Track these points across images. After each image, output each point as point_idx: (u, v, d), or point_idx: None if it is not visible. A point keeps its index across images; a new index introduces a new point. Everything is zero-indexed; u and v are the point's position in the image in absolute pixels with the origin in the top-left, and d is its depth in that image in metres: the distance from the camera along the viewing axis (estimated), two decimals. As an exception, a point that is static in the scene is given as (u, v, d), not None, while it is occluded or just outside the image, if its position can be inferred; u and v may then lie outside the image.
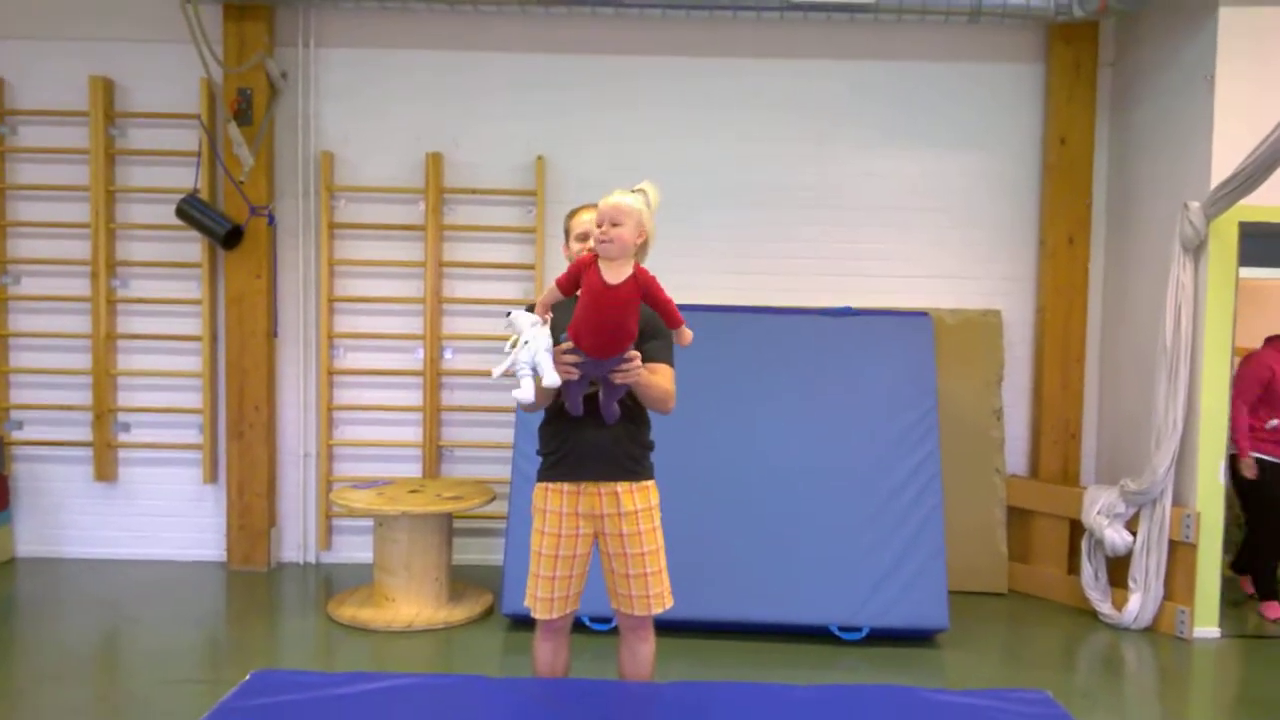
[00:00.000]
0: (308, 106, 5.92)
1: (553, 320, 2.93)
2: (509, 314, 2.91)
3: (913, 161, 5.95)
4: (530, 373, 2.84)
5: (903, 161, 5.95)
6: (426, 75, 5.93)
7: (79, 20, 5.83)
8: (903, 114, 5.93)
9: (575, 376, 2.90)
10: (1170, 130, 5.29)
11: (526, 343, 2.84)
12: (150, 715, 3.86)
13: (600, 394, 2.99)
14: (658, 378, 3.06)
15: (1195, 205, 4.89)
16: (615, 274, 2.79)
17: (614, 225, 2.75)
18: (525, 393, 2.85)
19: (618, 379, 2.91)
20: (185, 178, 5.78)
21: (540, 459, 3.22)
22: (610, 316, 2.81)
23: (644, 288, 2.80)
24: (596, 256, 2.80)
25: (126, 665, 4.58)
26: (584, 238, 3.10)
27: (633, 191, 2.85)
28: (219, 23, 5.67)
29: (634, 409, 3.15)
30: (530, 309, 2.99)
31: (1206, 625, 4.97)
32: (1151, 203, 5.45)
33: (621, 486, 3.12)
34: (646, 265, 2.87)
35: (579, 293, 2.84)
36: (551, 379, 2.82)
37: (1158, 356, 5.03)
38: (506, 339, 2.90)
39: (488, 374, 5.83)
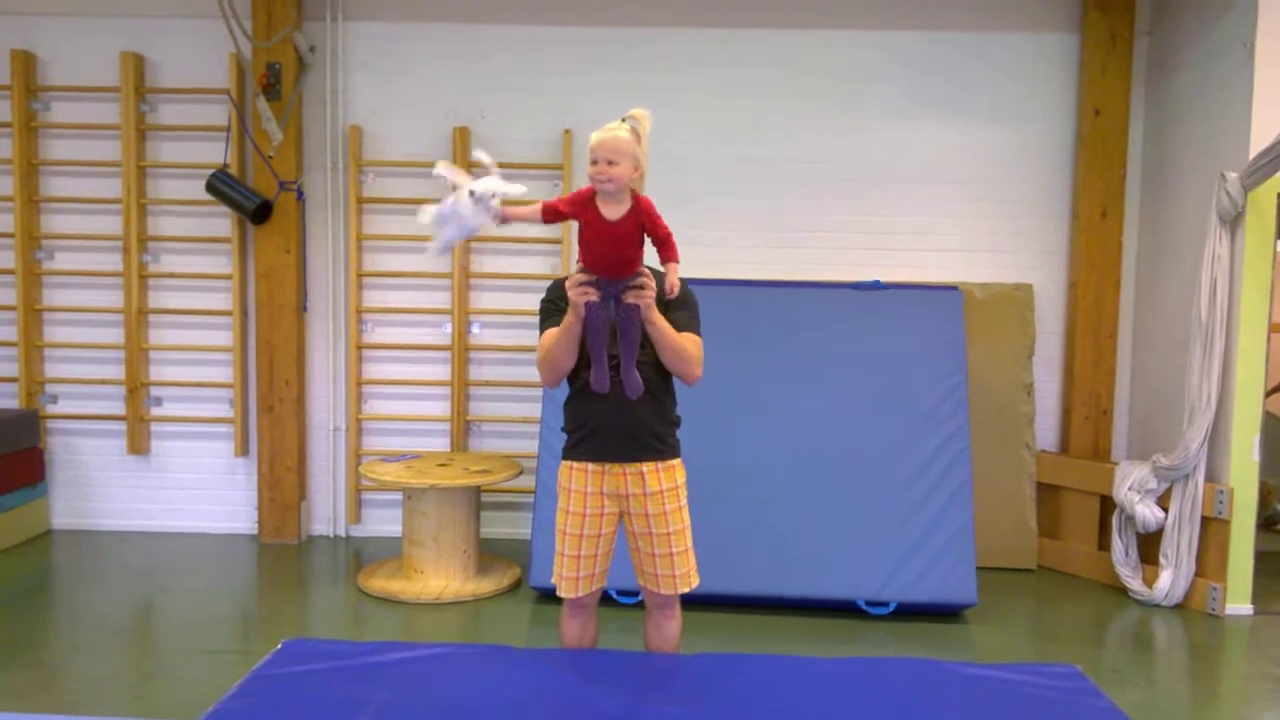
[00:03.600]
0: (336, 81, 5.93)
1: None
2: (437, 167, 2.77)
3: (944, 133, 5.88)
4: (491, 196, 2.70)
5: (934, 133, 5.88)
6: (454, 49, 5.91)
7: (109, -4, 5.87)
8: (934, 84, 5.85)
9: (594, 297, 2.82)
10: (1208, 100, 5.20)
11: (471, 190, 2.69)
12: (184, 683, 3.91)
13: (620, 355, 2.92)
14: (677, 336, 2.99)
15: (1233, 176, 4.80)
16: (614, 209, 2.77)
17: (610, 164, 2.71)
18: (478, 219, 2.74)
19: (630, 297, 2.82)
20: (215, 153, 5.81)
21: (565, 435, 3.22)
22: (612, 248, 2.78)
23: (643, 218, 2.78)
24: (594, 192, 2.78)
25: (160, 635, 4.64)
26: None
27: (623, 120, 2.79)
28: (247, -3, 5.69)
29: (659, 382, 3.13)
30: (559, 283, 3.00)
31: (1239, 602, 4.92)
32: (1187, 174, 5.36)
33: (647, 466, 3.10)
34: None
35: (580, 225, 2.80)
36: (517, 189, 2.72)
37: (1192, 330, 4.96)
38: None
39: (515, 349, 5.88)
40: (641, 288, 2.82)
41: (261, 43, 5.61)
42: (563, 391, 3.23)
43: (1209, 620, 4.89)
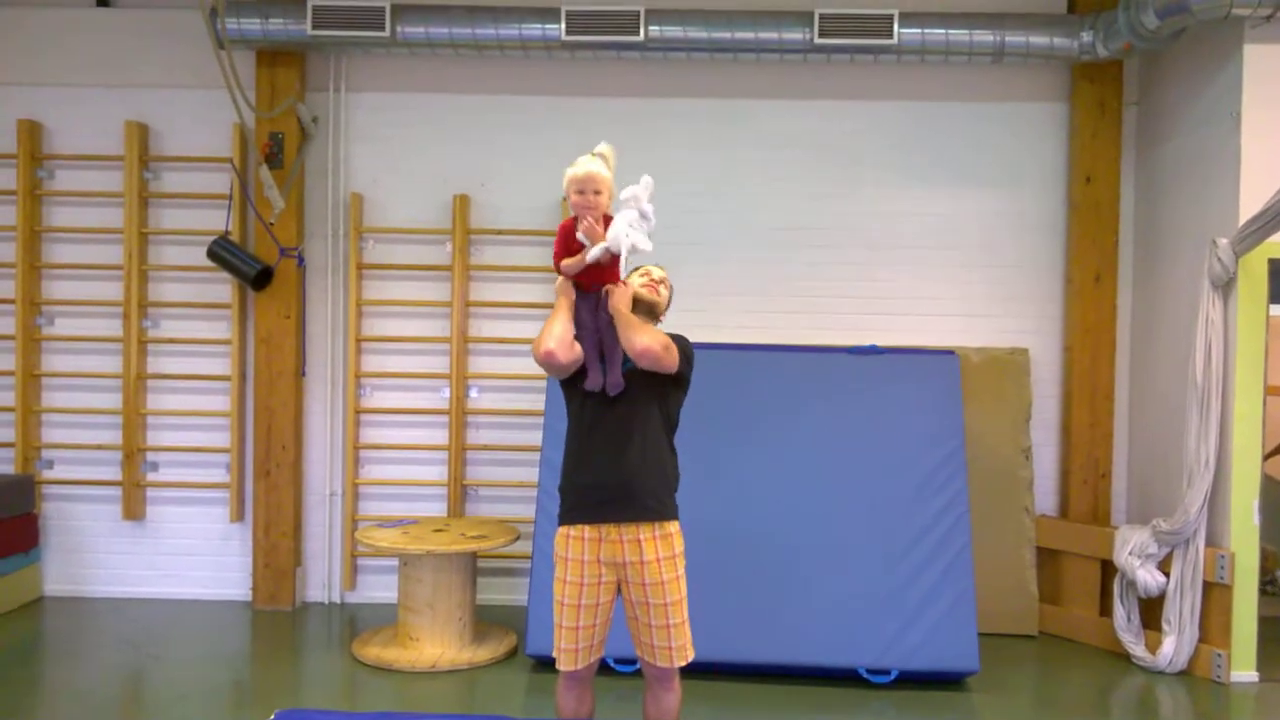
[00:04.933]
0: (338, 150, 6.01)
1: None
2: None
3: (938, 200, 5.95)
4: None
5: (928, 200, 5.95)
6: (454, 118, 6.01)
7: (115, 67, 5.97)
8: (928, 153, 5.95)
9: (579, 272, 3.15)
10: (1197, 167, 5.27)
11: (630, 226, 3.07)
12: (174, 755, 3.85)
13: (606, 356, 3.15)
14: (634, 319, 3.16)
15: (1224, 242, 4.86)
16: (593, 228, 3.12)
17: (595, 193, 3.09)
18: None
19: (606, 290, 3.16)
20: (217, 220, 5.87)
21: (560, 497, 3.22)
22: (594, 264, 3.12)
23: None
24: (575, 219, 3.12)
25: (151, 705, 4.57)
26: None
27: (593, 155, 3.14)
28: (252, 69, 5.78)
29: (660, 440, 3.16)
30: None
31: (1244, 669, 4.86)
32: (1179, 240, 5.42)
33: (644, 534, 3.10)
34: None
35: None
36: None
37: (1188, 394, 4.98)
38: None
39: (513, 413, 5.88)
40: (614, 291, 3.17)
41: (265, 113, 5.70)
42: (559, 453, 3.25)
43: (1214, 688, 4.83)
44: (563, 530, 3.17)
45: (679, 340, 3.24)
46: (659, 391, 3.20)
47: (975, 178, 5.95)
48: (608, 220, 3.13)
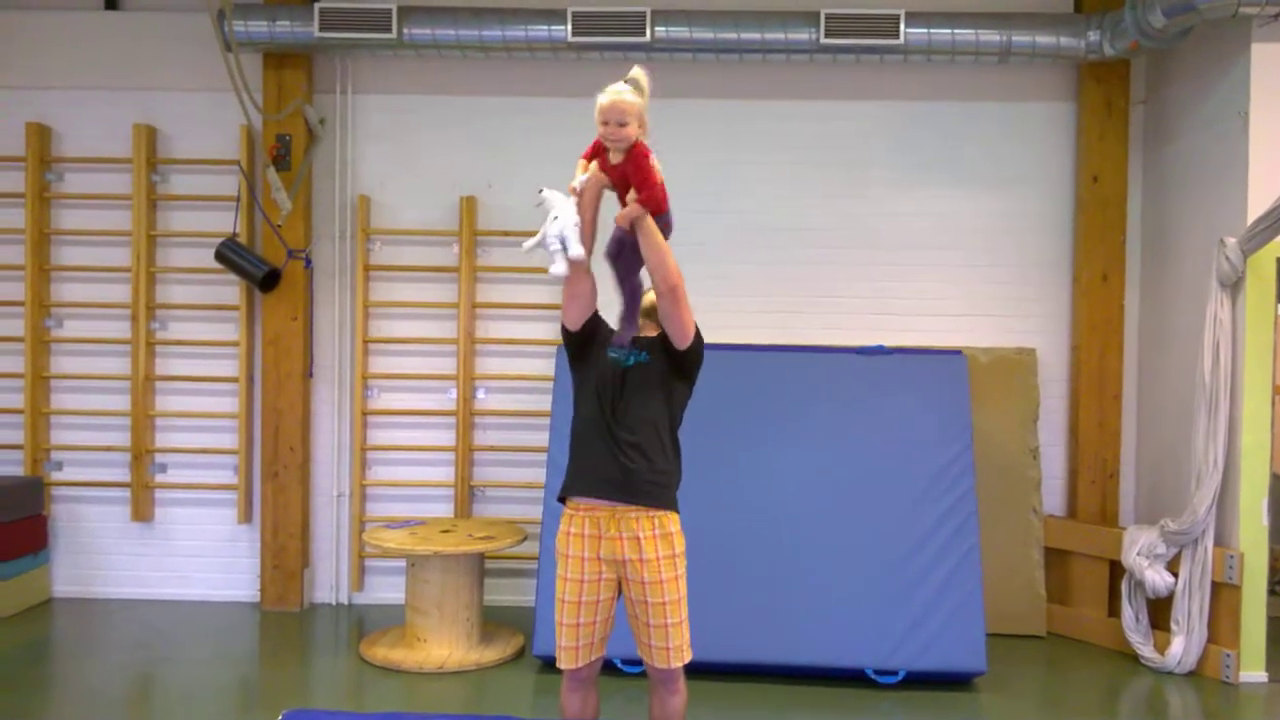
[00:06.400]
0: (345, 151, 6.03)
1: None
2: (542, 190, 3.03)
3: (944, 200, 5.95)
4: (560, 246, 2.97)
5: (934, 200, 5.94)
6: (461, 120, 6.02)
7: (124, 70, 5.99)
8: (934, 153, 5.94)
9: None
10: (1204, 166, 5.26)
11: (555, 218, 2.98)
12: (183, 755, 3.86)
13: (623, 306, 3.18)
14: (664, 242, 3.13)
15: (1232, 241, 4.84)
16: (619, 155, 3.03)
17: (620, 125, 2.93)
18: (559, 267, 3.00)
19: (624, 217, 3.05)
20: (224, 222, 5.89)
21: (563, 482, 3.25)
22: (620, 188, 3.07)
23: (636, 159, 3.00)
24: (601, 147, 3.05)
25: (160, 706, 4.59)
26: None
27: (625, 82, 2.97)
28: (259, 71, 5.80)
29: (660, 431, 3.17)
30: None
31: (1253, 669, 4.85)
32: (1187, 239, 5.41)
33: (644, 532, 3.10)
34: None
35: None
36: (577, 251, 2.99)
37: (1196, 394, 4.96)
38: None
39: (520, 414, 5.89)
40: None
41: (272, 115, 5.71)
42: (566, 454, 3.27)
43: (1223, 688, 4.81)
44: (564, 527, 3.18)
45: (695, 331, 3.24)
46: (665, 386, 3.20)
47: (982, 177, 5.94)
48: (636, 150, 3.00)
